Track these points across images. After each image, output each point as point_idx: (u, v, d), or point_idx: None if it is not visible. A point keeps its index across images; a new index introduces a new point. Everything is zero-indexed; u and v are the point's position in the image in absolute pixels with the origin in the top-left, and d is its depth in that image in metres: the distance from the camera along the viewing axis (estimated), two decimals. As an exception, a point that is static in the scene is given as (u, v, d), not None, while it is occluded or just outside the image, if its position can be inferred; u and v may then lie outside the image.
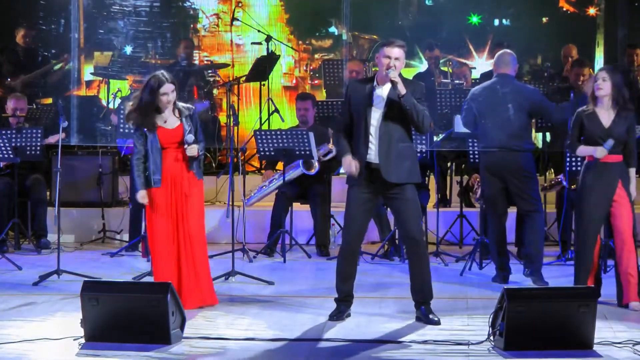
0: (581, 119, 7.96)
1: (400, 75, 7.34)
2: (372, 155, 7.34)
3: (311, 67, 14.66)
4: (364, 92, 7.39)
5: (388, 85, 7.35)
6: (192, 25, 14.67)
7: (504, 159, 8.88)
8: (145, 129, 7.97)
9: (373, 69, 12.84)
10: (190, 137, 8.00)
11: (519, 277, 9.14)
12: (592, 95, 7.99)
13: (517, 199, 9.02)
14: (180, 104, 8.15)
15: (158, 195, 8.00)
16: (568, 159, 9.84)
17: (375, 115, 7.34)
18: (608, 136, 7.83)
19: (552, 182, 10.55)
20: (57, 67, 13.65)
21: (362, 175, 7.36)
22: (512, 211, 9.51)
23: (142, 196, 8.04)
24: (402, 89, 7.23)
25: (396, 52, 7.30)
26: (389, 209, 10.34)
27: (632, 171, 8.00)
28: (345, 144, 7.46)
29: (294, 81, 14.57)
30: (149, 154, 7.98)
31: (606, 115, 7.92)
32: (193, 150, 8.00)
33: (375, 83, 7.40)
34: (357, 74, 12.10)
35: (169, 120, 8.05)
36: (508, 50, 9.25)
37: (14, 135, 10.66)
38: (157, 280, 7.90)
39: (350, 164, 7.36)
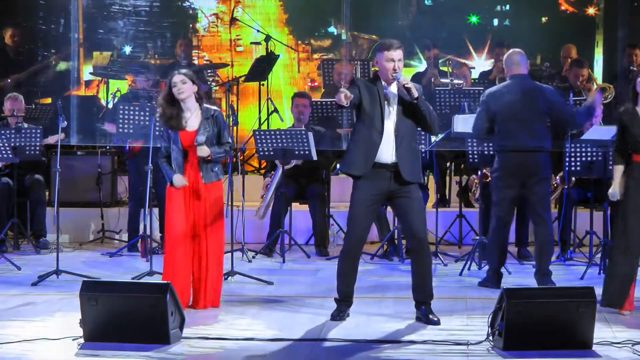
0: (623, 122, 7.73)
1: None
2: (383, 154, 7.32)
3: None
4: (374, 92, 7.36)
5: (396, 86, 7.36)
6: (191, 25, 14.67)
7: (525, 160, 8.61)
8: (169, 130, 7.93)
9: (373, 69, 12.83)
10: (200, 138, 7.89)
11: (518, 277, 9.13)
12: (634, 94, 7.74)
13: (530, 202, 8.72)
14: (206, 105, 8.05)
15: (177, 196, 7.95)
16: (567, 159, 9.83)
17: (388, 116, 7.33)
18: None
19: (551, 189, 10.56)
20: (51, 63, 13.62)
21: (369, 175, 7.33)
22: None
23: (180, 179, 7.88)
24: (415, 93, 7.25)
25: (398, 54, 7.34)
26: (390, 208, 10.35)
27: None
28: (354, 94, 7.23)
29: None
30: (171, 154, 7.96)
31: None
32: (202, 151, 7.88)
33: (383, 83, 7.39)
34: (345, 77, 12.08)
35: (190, 121, 7.95)
36: (517, 50, 8.99)
37: (13, 135, 10.65)
38: (164, 279, 7.87)
39: (342, 91, 7.11)
